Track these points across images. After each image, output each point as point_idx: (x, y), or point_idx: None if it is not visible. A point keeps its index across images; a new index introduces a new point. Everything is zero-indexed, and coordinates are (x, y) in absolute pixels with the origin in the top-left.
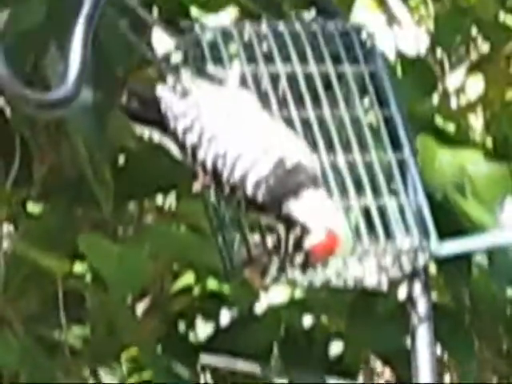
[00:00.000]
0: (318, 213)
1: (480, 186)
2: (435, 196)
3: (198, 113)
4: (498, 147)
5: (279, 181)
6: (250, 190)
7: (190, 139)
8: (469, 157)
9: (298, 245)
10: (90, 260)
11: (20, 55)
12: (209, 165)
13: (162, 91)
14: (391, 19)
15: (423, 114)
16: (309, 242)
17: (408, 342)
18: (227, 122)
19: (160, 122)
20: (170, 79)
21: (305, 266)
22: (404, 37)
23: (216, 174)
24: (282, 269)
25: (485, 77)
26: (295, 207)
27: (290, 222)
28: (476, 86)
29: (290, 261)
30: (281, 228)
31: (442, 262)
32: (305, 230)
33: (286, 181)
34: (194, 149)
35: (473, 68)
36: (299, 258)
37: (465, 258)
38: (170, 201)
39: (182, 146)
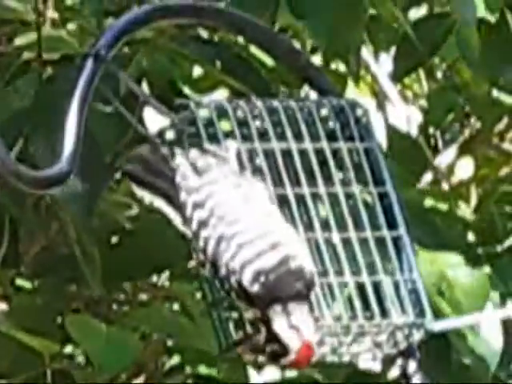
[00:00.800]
0: (297, 328)
1: (459, 294)
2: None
3: (212, 190)
4: (484, 230)
5: (279, 279)
6: (246, 279)
7: (199, 215)
8: (449, 261)
9: (275, 356)
10: (78, 341)
11: (8, 138)
12: (211, 243)
13: (180, 161)
14: (382, 100)
15: (411, 200)
16: (284, 359)
17: None
18: (240, 206)
19: (165, 191)
20: (193, 152)
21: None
22: (395, 117)
23: (216, 255)
24: None
25: (477, 154)
26: (280, 318)
27: (267, 327)
28: (468, 163)
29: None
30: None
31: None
32: (281, 346)
33: (285, 281)
34: (201, 225)
35: (465, 145)
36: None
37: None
38: (163, 279)
39: (188, 220)
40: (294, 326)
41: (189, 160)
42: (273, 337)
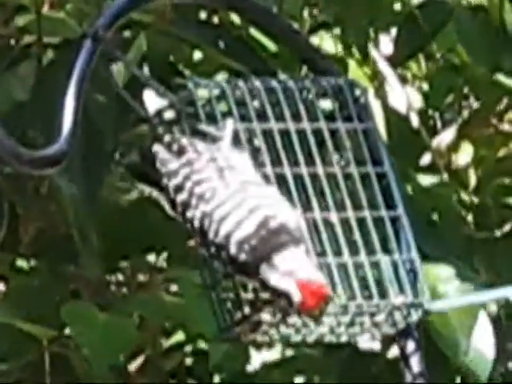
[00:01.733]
0: (290, 272)
1: (449, 312)
2: None
3: (189, 171)
4: (478, 215)
5: (262, 241)
6: (233, 250)
7: (181, 198)
8: (441, 274)
9: (287, 311)
10: (73, 332)
11: (9, 124)
12: (196, 224)
13: (157, 148)
14: (381, 82)
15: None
16: (295, 304)
17: None
18: (215, 181)
19: (157, 180)
20: (167, 137)
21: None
22: (394, 99)
23: (203, 233)
24: (274, 325)
25: (476, 136)
26: (270, 273)
27: (267, 288)
28: (468, 146)
29: (284, 322)
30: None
31: None
32: (284, 295)
33: (268, 241)
34: (184, 207)
35: (464, 127)
36: (292, 318)
37: None
38: (162, 261)
39: (173, 204)
40: (287, 272)
41: (164, 145)
42: (276, 295)
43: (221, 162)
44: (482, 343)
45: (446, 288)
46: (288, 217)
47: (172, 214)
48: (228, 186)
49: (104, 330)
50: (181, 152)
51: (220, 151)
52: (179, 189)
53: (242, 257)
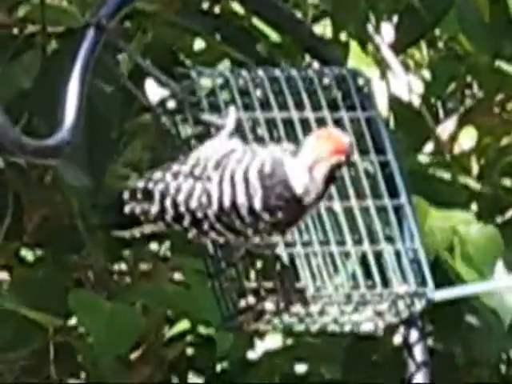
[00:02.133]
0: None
1: (471, 249)
2: (427, 258)
3: (172, 199)
4: (487, 200)
5: (274, 187)
6: (266, 217)
7: (186, 223)
8: (460, 217)
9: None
10: (80, 320)
11: (14, 113)
12: (218, 226)
13: (129, 208)
14: (384, 70)
15: (414, 168)
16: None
17: None
18: (203, 182)
19: None
20: (126, 195)
21: (304, 301)
22: (397, 87)
23: (231, 228)
24: (277, 313)
25: (479, 124)
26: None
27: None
28: (470, 132)
29: (288, 299)
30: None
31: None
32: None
33: (276, 180)
34: (195, 225)
35: (467, 115)
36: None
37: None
38: (164, 250)
39: (184, 230)
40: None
41: (131, 200)
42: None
43: (183, 169)
44: (503, 288)
45: (468, 229)
46: (270, 155)
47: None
48: (210, 178)
49: (110, 318)
50: (148, 194)
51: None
52: (179, 218)
53: (279, 215)
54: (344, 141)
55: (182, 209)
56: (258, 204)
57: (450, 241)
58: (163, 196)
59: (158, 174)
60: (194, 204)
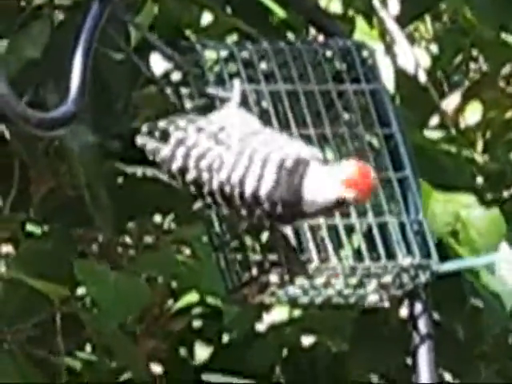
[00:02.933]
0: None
1: (473, 234)
2: None
3: (186, 150)
4: (493, 174)
5: (286, 183)
6: (267, 208)
7: (189, 178)
8: (463, 201)
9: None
10: (86, 287)
11: (21, 84)
12: (217, 195)
13: (141, 141)
14: (390, 44)
15: (420, 143)
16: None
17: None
18: (218, 148)
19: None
20: (144, 127)
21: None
22: (403, 60)
23: (228, 201)
24: (281, 285)
25: (484, 97)
26: (313, 200)
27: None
28: (475, 106)
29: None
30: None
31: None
32: (339, 203)
33: (291, 178)
34: (197, 185)
35: (472, 89)
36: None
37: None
38: (169, 223)
39: (183, 184)
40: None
41: (145, 135)
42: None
43: (209, 128)
44: (506, 271)
45: (470, 213)
46: (297, 150)
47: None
48: (230, 147)
49: (115, 286)
50: (165, 136)
51: (197, 119)
52: (184, 170)
53: (279, 209)
54: (371, 189)
55: (191, 163)
56: (263, 191)
57: (452, 226)
58: (178, 144)
59: (181, 122)
60: (204, 163)
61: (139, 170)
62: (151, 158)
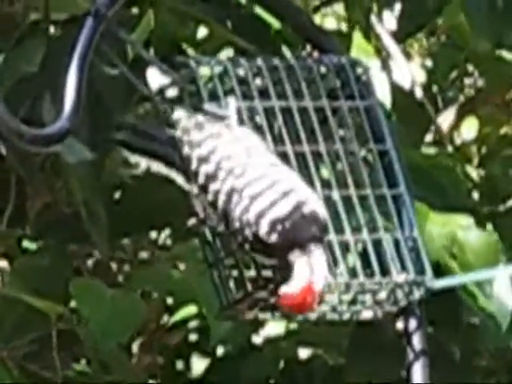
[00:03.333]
0: (308, 271)
1: (470, 257)
2: None
3: (216, 144)
4: (488, 189)
5: (294, 225)
6: (264, 230)
7: (205, 169)
8: (460, 222)
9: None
10: (82, 308)
11: (16, 99)
12: (222, 197)
13: (179, 115)
14: (386, 59)
15: (415, 159)
16: (283, 289)
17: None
18: (245, 158)
19: (162, 154)
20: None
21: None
22: (399, 76)
23: (227, 208)
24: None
25: (480, 113)
26: (299, 259)
27: (289, 269)
28: (471, 122)
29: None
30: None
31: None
32: (289, 278)
33: (301, 227)
34: (209, 179)
35: (467, 104)
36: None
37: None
38: (164, 239)
39: (193, 175)
40: (311, 265)
41: (188, 114)
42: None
43: (245, 141)
44: (502, 291)
45: (467, 235)
46: (317, 204)
47: (185, 187)
48: (257, 166)
49: (112, 304)
50: (200, 126)
51: (235, 130)
52: (204, 160)
53: (274, 238)
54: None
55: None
56: (263, 229)
57: (449, 248)
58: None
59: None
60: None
61: (143, 163)
62: (179, 136)
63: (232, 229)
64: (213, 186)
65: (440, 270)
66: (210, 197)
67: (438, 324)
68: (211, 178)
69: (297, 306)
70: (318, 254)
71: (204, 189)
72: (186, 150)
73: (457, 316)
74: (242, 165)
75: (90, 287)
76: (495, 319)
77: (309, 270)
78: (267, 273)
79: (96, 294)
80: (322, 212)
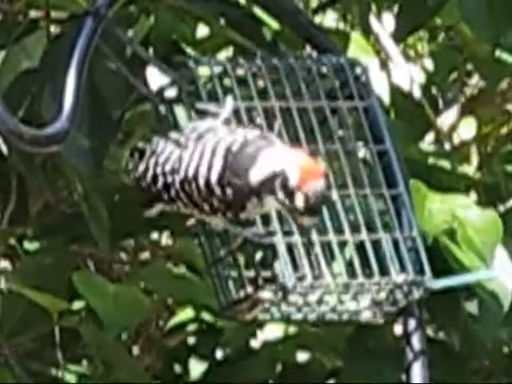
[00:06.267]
0: (280, 158)
1: (471, 232)
2: (426, 241)
3: (155, 159)
4: (487, 189)
5: (233, 167)
6: (218, 192)
7: (159, 185)
8: (459, 202)
9: (286, 190)
10: (85, 298)
11: (16, 97)
12: (183, 196)
13: (155, 140)
14: (385, 60)
15: (415, 157)
16: (292, 181)
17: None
18: (178, 151)
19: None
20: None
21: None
22: (398, 77)
23: (192, 201)
24: (275, 303)
25: (479, 114)
26: (256, 173)
27: (263, 187)
28: (471, 123)
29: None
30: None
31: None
32: (280, 175)
33: (238, 162)
34: (166, 191)
35: (467, 105)
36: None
37: (454, 305)
38: (165, 237)
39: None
40: (275, 160)
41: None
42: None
43: (175, 136)
44: (502, 274)
45: (467, 213)
46: (245, 136)
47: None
48: (187, 147)
49: (116, 298)
50: (142, 154)
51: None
52: (155, 178)
53: (229, 193)
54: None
55: (159, 170)
56: (213, 176)
57: (449, 224)
58: (150, 155)
59: (155, 139)
60: (167, 168)
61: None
62: (139, 183)
63: (207, 214)
64: (172, 194)
65: (439, 251)
66: (179, 204)
67: (436, 312)
68: (167, 188)
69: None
70: (271, 152)
71: (173, 200)
72: (143, 185)
73: (456, 303)
74: (176, 158)
75: (92, 281)
76: (498, 299)
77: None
78: (267, 273)
79: (99, 287)
80: (254, 135)
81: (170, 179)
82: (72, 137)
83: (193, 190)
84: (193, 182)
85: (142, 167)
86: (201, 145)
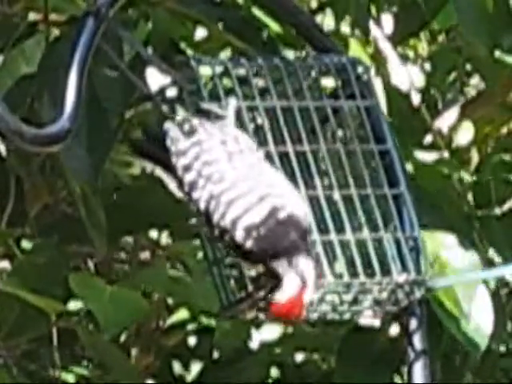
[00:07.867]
0: (296, 279)
1: (453, 274)
2: None
3: (199, 151)
4: (478, 193)
5: (270, 231)
6: (239, 236)
7: (189, 177)
8: (444, 241)
9: (269, 292)
10: (82, 298)
11: (15, 99)
12: (202, 204)
13: (168, 126)
14: (383, 62)
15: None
16: (278, 296)
17: (398, 380)
18: (225, 165)
19: (163, 159)
20: (179, 116)
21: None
22: (396, 79)
23: (208, 215)
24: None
25: (478, 116)
26: (282, 266)
27: (273, 275)
28: (468, 125)
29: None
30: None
31: None
32: (279, 286)
33: (276, 233)
34: (191, 187)
35: (466, 107)
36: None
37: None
38: (164, 238)
39: (180, 184)
40: (299, 273)
41: (176, 123)
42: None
43: (230, 146)
44: (480, 316)
45: (449, 254)
46: (296, 207)
47: (178, 194)
48: (236, 170)
49: (112, 299)
50: (191, 132)
51: (227, 132)
52: (187, 168)
53: (249, 244)
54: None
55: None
56: (244, 222)
57: (431, 265)
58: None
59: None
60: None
61: (149, 166)
62: (168, 146)
63: (213, 235)
64: (194, 195)
65: None
66: (192, 205)
67: None
68: (193, 185)
69: (284, 316)
70: (303, 263)
71: (189, 197)
72: (173, 159)
73: (438, 337)
74: (221, 171)
75: (89, 283)
76: (474, 342)
77: (297, 280)
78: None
79: (95, 289)
80: (303, 215)
81: (201, 182)
82: (70, 143)
83: (214, 209)
84: (221, 206)
85: (182, 145)
86: (251, 180)
